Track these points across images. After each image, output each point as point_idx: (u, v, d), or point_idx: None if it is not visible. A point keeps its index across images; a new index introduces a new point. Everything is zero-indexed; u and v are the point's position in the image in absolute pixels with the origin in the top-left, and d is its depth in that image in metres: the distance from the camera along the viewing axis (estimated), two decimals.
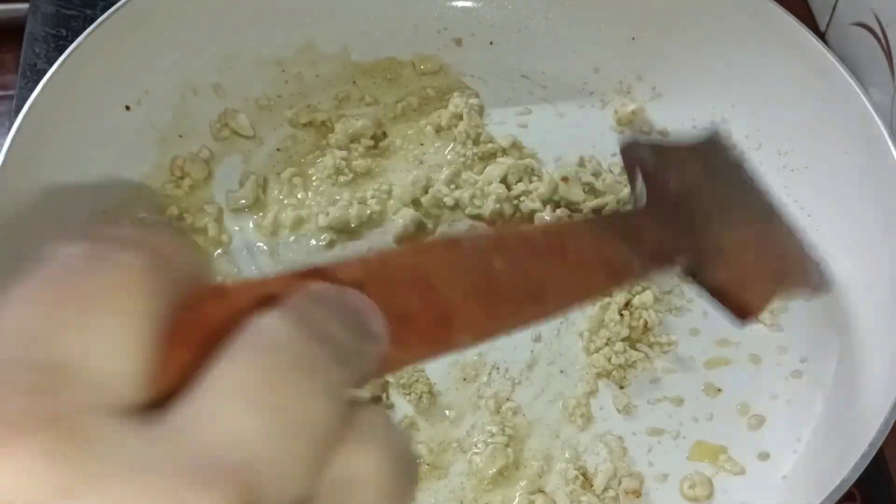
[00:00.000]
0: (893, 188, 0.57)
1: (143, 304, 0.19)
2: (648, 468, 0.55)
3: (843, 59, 0.62)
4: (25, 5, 0.76)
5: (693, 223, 0.43)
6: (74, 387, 0.18)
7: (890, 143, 0.57)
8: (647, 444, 0.56)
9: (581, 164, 0.66)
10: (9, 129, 0.56)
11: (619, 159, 0.63)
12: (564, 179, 0.63)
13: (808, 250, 0.51)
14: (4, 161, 0.55)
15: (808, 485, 0.51)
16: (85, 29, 0.61)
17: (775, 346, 0.60)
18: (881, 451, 0.49)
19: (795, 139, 0.65)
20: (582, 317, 0.60)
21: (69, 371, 0.18)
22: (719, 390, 0.58)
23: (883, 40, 0.67)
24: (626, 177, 0.54)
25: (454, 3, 0.73)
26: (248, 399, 0.18)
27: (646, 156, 0.45)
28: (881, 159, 0.58)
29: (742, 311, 0.43)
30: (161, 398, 0.19)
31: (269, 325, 0.20)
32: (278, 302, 0.21)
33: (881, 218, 0.58)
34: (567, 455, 0.55)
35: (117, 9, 0.62)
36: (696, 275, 0.42)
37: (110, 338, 0.19)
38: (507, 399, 0.57)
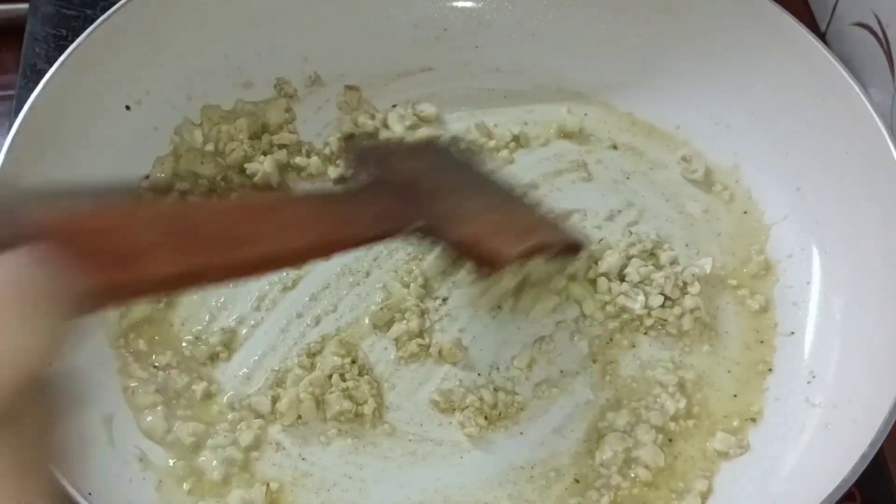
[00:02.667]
0: (893, 188, 0.57)
1: None
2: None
3: (843, 59, 0.62)
4: (25, 5, 0.76)
5: (426, 196, 0.48)
6: None
7: (890, 143, 0.57)
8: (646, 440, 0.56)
9: None
10: (9, 129, 0.56)
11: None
12: None
13: (556, 218, 0.55)
14: (4, 161, 0.55)
15: (808, 485, 0.51)
16: (85, 29, 0.61)
17: (777, 348, 0.60)
18: (881, 452, 0.49)
19: (795, 139, 0.65)
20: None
21: None
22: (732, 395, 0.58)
23: (883, 40, 0.67)
24: None
25: (454, 4, 0.73)
26: None
27: (366, 150, 0.51)
28: (881, 159, 0.58)
29: (491, 257, 0.47)
30: None
31: None
32: None
33: (881, 217, 0.58)
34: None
35: (117, 9, 0.62)
36: (435, 234, 0.47)
37: None
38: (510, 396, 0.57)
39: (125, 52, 0.63)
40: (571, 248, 0.55)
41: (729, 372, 0.59)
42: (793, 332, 0.60)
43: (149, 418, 0.55)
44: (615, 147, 0.69)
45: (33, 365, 0.24)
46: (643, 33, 0.70)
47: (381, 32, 0.72)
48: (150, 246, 0.34)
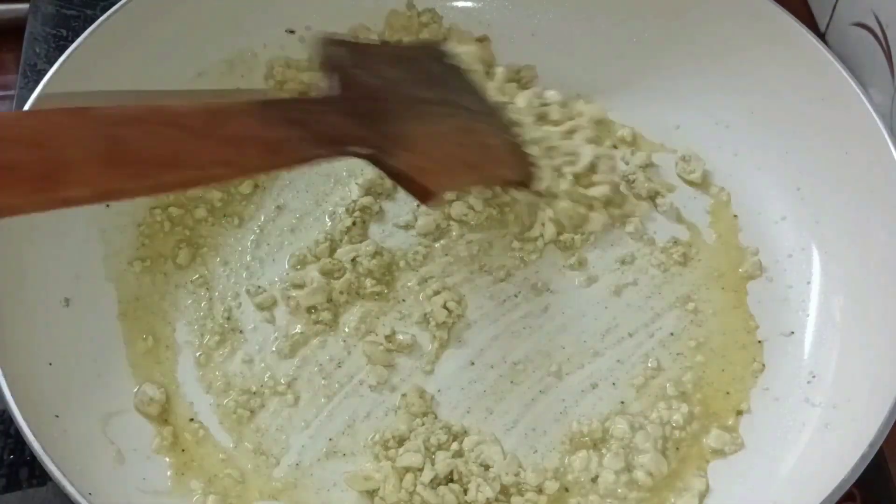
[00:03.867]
0: (893, 187, 0.57)
1: None
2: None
3: (842, 59, 0.62)
4: (26, 5, 0.76)
5: (382, 116, 0.46)
6: None
7: (890, 143, 0.58)
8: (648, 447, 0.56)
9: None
10: None
11: None
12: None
13: (521, 147, 0.54)
14: None
15: (808, 485, 0.50)
16: (85, 29, 0.61)
17: (777, 348, 0.60)
18: (881, 451, 0.49)
19: (795, 139, 0.65)
20: None
21: None
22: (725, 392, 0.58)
23: (883, 40, 0.67)
24: None
25: (454, 4, 0.73)
26: None
27: (341, 53, 0.47)
28: (881, 159, 0.58)
29: (423, 193, 0.47)
30: None
31: None
32: None
33: (882, 217, 0.58)
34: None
35: (117, 9, 0.62)
36: (378, 161, 0.45)
37: None
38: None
39: (125, 52, 0.63)
40: (520, 182, 0.54)
41: (723, 371, 0.59)
42: (793, 332, 0.60)
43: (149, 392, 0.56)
44: (615, 147, 0.69)
45: None
46: (643, 33, 0.70)
47: (381, 32, 0.72)
48: (75, 163, 0.31)
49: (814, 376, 0.58)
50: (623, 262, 0.63)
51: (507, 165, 0.53)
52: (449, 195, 0.53)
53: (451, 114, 0.51)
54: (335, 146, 0.44)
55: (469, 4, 0.73)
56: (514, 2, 0.72)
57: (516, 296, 0.62)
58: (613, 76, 0.71)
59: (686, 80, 0.69)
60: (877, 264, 0.58)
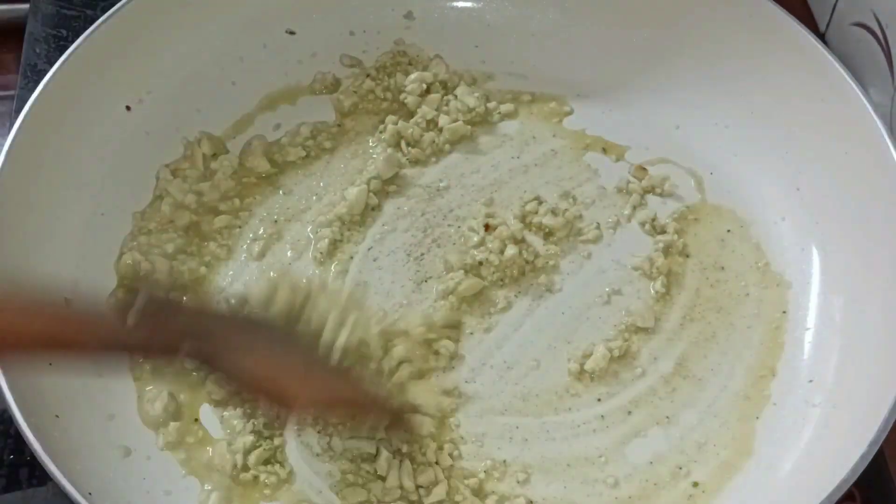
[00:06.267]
0: (893, 187, 0.57)
1: None
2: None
3: (842, 59, 0.62)
4: (26, 5, 0.76)
5: (212, 333, 0.42)
6: None
7: (890, 143, 0.58)
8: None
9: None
10: (9, 129, 0.57)
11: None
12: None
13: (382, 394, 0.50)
14: (4, 161, 0.55)
15: (808, 485, 0.51)
16: (85, 29, 0.61)
17: (777, 348, 0.60)
18: (881, 451, 0.49)
19: (795, 139, 0.65)
20: None
21: None
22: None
23: (882, 40, 0.67)
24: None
25: (454, 4, 0.73)
26: None
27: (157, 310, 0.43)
28: (881, 159, 0.58)
29: (279, 397, 0.42)
30: None
31: None
32: None
33: (881, 217, 0.58)
34: None
35: (117, 9, 0.62)
36: (220, 361, 0.41)
37: None
38: None
39: (125, 53, 0.63)
40: (393, 417, 0.49)
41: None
42: (794, 334, 0.60)
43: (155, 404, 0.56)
44: (615, 146, 0.69)
45: None
46: (643, 33, 0.70)
47: (381, 32, 0.72)
48: None
49: (814, 377, 0.58)
50: (625, 265, 0.63)
51: (371, 403, 0.50)
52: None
53: (290, 350, 0.47)
54: (160, 335, 0.40)
55: (469, 4, 0.73)
56: (514, 2, 0.72)
57: (517, 296, 0.62)
58: (613, 76, 0.71)
59: (686, 81, 0.69)
60: (877, 264, 0.58)
